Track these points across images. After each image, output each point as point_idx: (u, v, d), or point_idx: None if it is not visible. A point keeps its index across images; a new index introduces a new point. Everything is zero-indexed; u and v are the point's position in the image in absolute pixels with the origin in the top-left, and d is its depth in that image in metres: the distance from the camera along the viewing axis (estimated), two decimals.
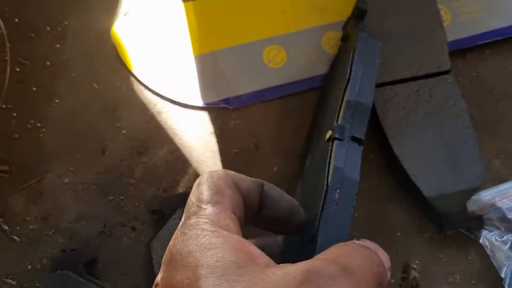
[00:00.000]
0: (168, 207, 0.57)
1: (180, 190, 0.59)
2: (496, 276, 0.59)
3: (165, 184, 0.59)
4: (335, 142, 0.43)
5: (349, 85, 0.47)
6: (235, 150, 0.60)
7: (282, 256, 0.45)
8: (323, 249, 0.35)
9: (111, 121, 0.61)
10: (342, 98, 0.47)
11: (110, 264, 0.57)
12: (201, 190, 0.31)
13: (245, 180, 0.35)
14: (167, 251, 0.29)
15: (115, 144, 0.61)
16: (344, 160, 0.42)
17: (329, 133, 0.45)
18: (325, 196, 0.40)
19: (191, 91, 0.62)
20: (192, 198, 0.31)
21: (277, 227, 0.36)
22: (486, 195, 0.60)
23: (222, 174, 0.32)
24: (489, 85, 0.65)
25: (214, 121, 0.61)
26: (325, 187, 0.41)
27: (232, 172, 0.34)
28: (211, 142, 0.61)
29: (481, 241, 0.59)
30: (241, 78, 0.62)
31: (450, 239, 0.60)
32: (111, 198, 0.59)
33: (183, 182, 0.59)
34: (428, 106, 0.60)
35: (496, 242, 0.58)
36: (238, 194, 0.33)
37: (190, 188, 0.59)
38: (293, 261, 0.31)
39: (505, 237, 0.58)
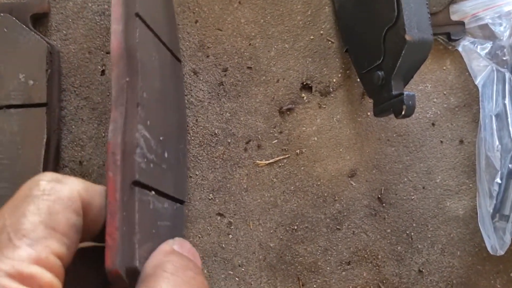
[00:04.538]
0: None
1: None
2: (469, 90, 0.51)
3: None
4: None
5: None
6: None
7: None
8: (410, 24, 0.38)
9: None
10: None
11: (53, 29, 0.48)
12: (26, 212, 0.20)
13: (99, 196, 0.24)
14: None
15: None
16: None
17: None
18: None
19: None
20: (7, 217, 0.19)
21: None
22: (470, 5, 0.51)
23: (66, 194, 0.21)
24: None
25: None
26: None
27: (82, 186, 0.22)
28: None
29: (459, 48, 0.50)
30: None
31: None
32: None
33: None
34: None
35: (474, 50, 0.50)
36: (78, 226, 0.22)
37: None
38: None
39: (484, 45, 0.50)
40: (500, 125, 0.46)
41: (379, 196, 0.49)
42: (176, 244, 0.25)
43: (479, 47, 0.50)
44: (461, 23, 0.51)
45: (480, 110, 0.48)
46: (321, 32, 0.50)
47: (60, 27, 0.48)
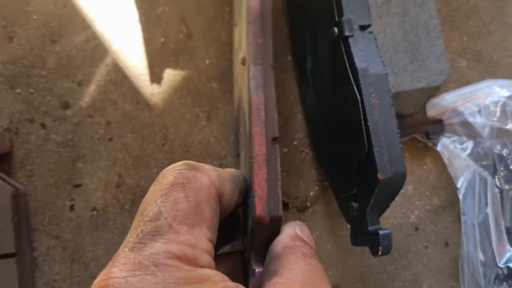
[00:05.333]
0: None
1: (96, 82, 0.47)
2: (451, 188, 0.49)
3: (80, 76, 0.48)
4: (348, 40, 0.35)
5: None
6: (162, 39, 0.48)
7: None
8: (382, 161, 0.34)
9: (20, 5, 0.49)
10: None
11: (17, 166, 0.47)
12: (177, 200, 0.22)
13: (229, 183, 0.26)
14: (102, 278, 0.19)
15: (25, 30, 0.49)
16: (364, 57, 0.35)
17: (334, 31, 0.36)
18: (362, 107, 0.34)
19: None
20: (160, 203, 0.21)
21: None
22: (448, 98, 0.49)
23: (206, 182, 0.23)
24: None
25: (139, 6, 0.49)
26: (358, 97, 0.35)
27: (215, 174, 0.25)
28: (135, 30, 0.49)
29: (438, 148, 0.48)
30: None
31: (404, 146, 0.50)
32: (19, 91, 0.48)
33: (100, 75, 0.48)
34: None
35: (454, 150, 0.48)
36: (217, 213, 0.24)
37: (107, 82, 0.48)
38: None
39: (464, 144, 0.48)
40: (484, 235, 0.45)
41: None
42: (298, 228, 0.27)
43: (459, 147, 0.48)
44: (439, 121, 0.49)
45: (461, 220, 0.46)
46: (295, 143, 0.48)
47: (25, 163, 0.47)
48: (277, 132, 0.30)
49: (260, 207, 0.26)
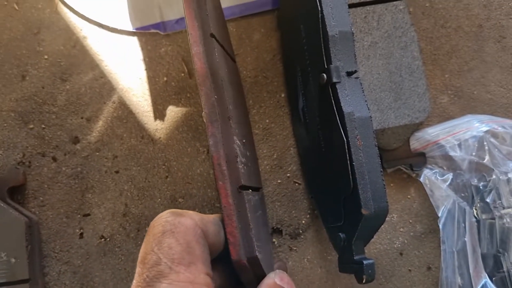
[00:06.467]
0: None
1: (103, 119, 0.51)
2: (434, 216, 0.53)
3: (89, 112, 0.51)
4: (335, 86, 0.39)
5: (324, 16, 0.40)
6: (165, 78, 0.52)
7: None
8: (366, 197, 0.38)
9: (32, 45, 0.52)
10: (321, 32, 0.40)
11: (30, 196, 0.50)
12: (170, 245, 0.25)
13: (212, 224, 0.29)
14: None
15: (36, 69, 0.52)
16: (350, 102, 0.39)
17: (323, 77, 0.40)
18: (348, 149, 0.38)
19: (120, 15, 0.53)
20: (157, 251, 0.25)
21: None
22: (431, 132, 0.53)
23: (191, 224, 0.26)
24: (442, 17, 0.56)
25: (144, 47, 0.53)
26: (344, 139, 0.38)
27: (198, 217, 0.28)
28: (139, 70, 0.52)
29: (421, 179, 0.52)
30: (174, 1, 0.53)
31: (389, 177, 0.54)
32: (31, 126, 0.51)
33: (107, 111, 0.51)
34: (375, 35, 0.52)
35: (436, 181, 0.52)
36: (207, 249, 0.27)
37: (114, 118, 0.52)
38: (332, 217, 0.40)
39: (445, 176, 0.52)
40: (462, 261, 0.49)
41: None
42: (277, 278, 0.30)
43: (440, 178, 0.52)
44: (422, 154, 0.53)
45: (441, 248, 0.50)
46: (288, 174, 0.52)
47: (37, 194, 0.50)
48: (242, 181, 0.32)
49: (234, 253, 0.29)
